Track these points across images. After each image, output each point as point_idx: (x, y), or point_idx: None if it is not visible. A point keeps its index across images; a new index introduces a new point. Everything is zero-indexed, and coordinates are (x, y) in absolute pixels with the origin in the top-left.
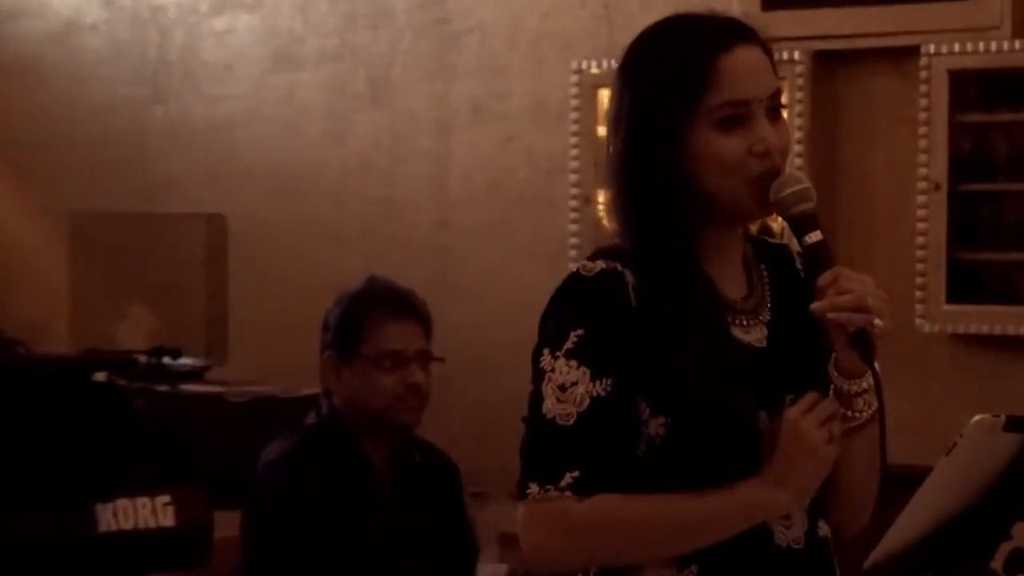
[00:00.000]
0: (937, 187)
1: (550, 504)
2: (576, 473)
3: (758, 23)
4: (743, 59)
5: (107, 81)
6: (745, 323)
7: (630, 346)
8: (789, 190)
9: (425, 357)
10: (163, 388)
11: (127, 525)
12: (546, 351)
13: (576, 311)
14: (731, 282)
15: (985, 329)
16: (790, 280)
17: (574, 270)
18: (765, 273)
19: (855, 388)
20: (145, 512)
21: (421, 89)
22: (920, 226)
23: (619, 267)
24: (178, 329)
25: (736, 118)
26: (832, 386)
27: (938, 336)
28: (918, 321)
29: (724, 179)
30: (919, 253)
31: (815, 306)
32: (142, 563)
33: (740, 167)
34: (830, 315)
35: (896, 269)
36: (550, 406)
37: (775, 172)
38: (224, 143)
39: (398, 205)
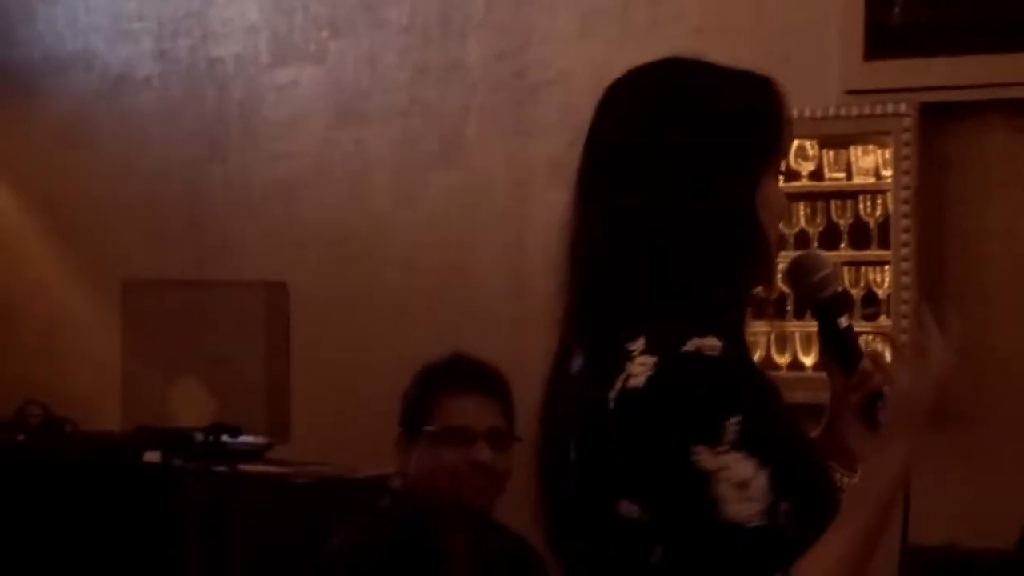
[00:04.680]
0: None
1: None
2: (781, 569)
3: None
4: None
5: (161, 139)
6: None
7: (776, 428)
8: (824, 272)
9: (497, 435)
10: (221, 468)
11: None
12: (702, 449)
13: (725, 396)
14: None
15: None
16: None
17: (689, 351)
18: None
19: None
20: None
21: (497, 146)
22: None
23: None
24: (237, 405)
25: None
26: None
27: None
28: None
29: (773, 232)
30: None
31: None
32: None
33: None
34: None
35: (1011, 342)
36: (735, 511)
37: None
38: (286, 205)
39: (472, 273)
